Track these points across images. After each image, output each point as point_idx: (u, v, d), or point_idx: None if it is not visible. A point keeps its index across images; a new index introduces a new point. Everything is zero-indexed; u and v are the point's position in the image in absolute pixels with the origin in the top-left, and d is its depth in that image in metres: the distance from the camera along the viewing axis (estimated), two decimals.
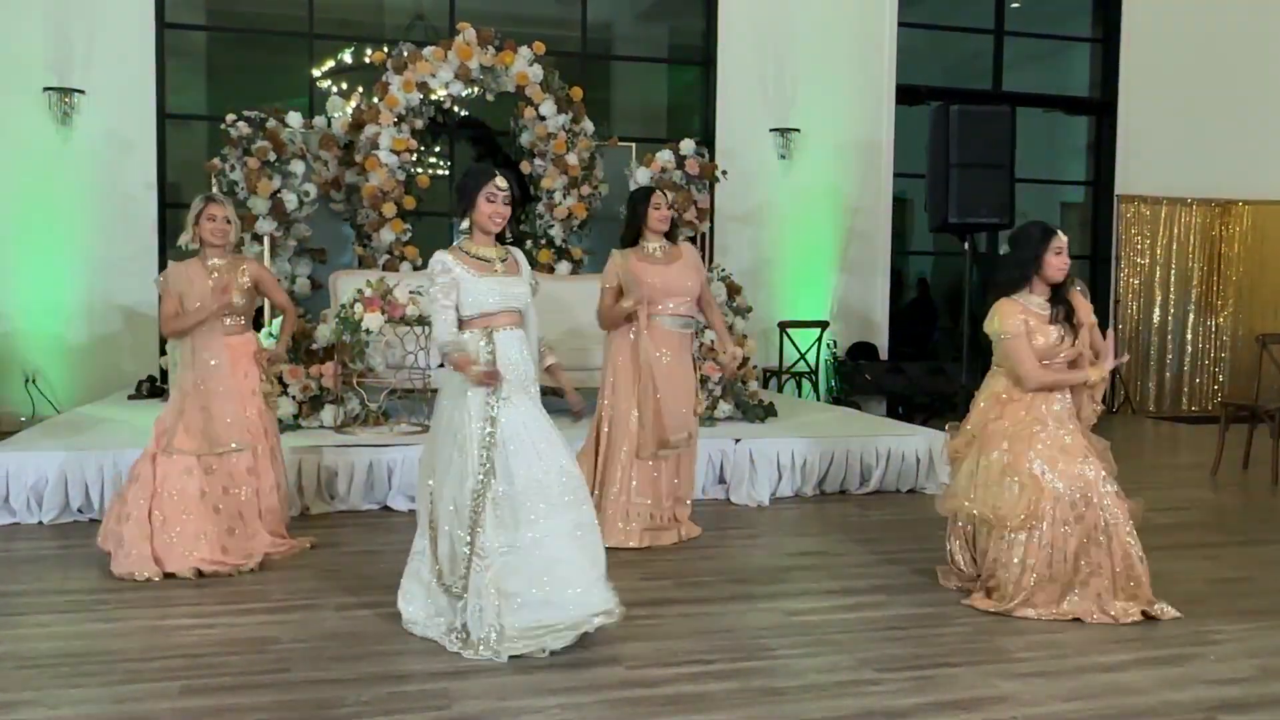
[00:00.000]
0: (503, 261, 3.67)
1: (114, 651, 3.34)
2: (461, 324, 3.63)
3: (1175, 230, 10.35)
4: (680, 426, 4.83)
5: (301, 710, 2.91)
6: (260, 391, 4.54)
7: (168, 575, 4.12)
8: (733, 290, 7.93)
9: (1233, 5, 10.24)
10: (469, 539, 3.43)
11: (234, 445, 4.34)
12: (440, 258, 3.61)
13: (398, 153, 7.26)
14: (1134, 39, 10.10)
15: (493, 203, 3.59)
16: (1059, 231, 3.98)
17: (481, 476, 3.44)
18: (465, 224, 3.64)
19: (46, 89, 7.66)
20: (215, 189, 7.26)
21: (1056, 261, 3.95)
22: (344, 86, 8.77)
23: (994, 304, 4.05)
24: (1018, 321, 3.96)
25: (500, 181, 3.60)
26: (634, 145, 8.32)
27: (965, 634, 3.64)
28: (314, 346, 6.00)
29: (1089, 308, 4.12)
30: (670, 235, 4.96)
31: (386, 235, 7.24)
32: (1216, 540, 5.19)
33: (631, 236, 4.90)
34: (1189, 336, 10.47)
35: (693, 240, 8.05)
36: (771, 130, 9.10)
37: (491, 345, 3.60)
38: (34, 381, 7.62)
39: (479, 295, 3.60)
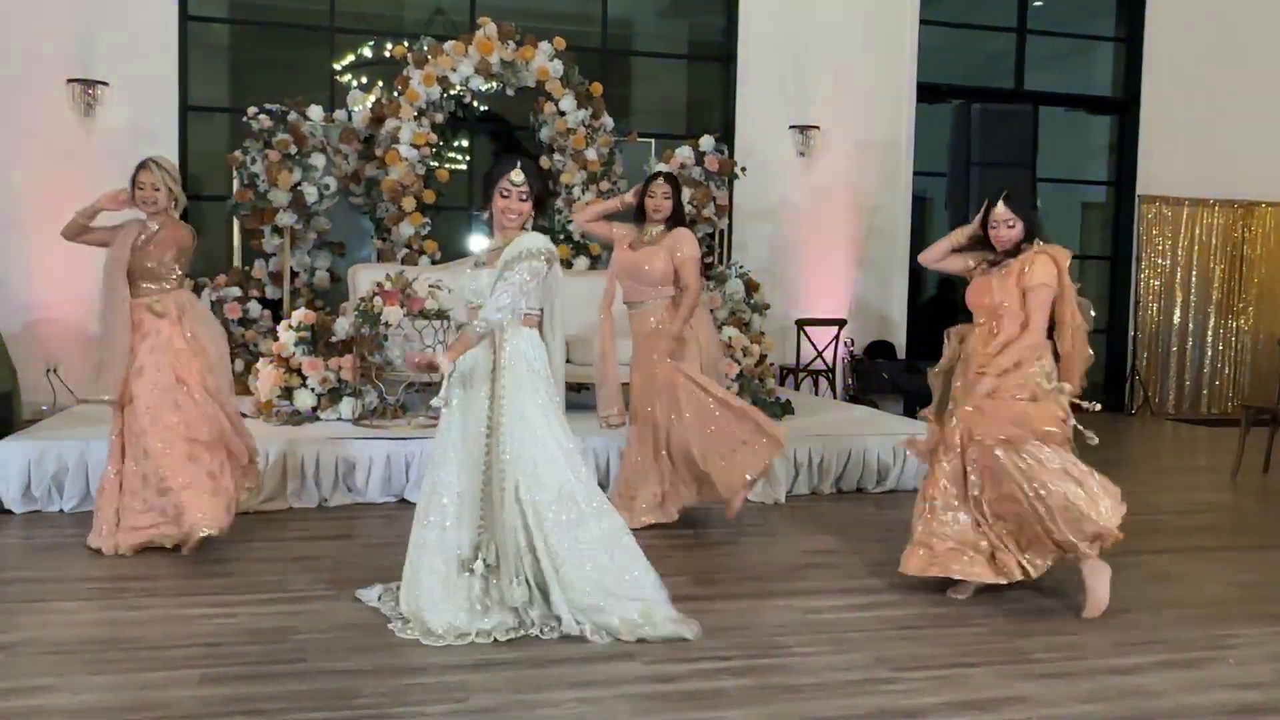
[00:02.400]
0: (490, 252, 3.59)
1: (136, 639, 3.37)
2: None
3: (1197, 231, 10.28)
4: (606, 403, 4.89)
5: (319, 700, 2.93)
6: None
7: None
8: (751, 287, 7.94)
9: (1257, 6, 10.15)
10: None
11: (106, 397, 4.33)
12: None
13: (418, 147, 7.29)
14: (1157, 38, 10.04)
15: (506, 198, 3.51)
16: (999, 203, 3.90)
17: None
18: (486, 215, 3.60)
19: (70, 81, 7.71)
20: (236, 182, 7.32)
21: (991, 232, 3.96)
22: (364, 80, 8.80)
23: None
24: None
25: (515, 176, 3.49)
26: (653, 141, 8.34)
27: (982, 634, 3.63)
28: (333, 339, 6.03)
29: (1043, 273, 3.85)
30: (674, 220, 4.96)
31: (406, 229, 7.28)
32: (1236, 544, 5.16)
33: (638, 217, 5.03)
34: (1209, 338, 10.39)
35: (711, 236, 8.06)
36: (791, 127, 9.08)
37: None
38: (55, 371, 7.67)
39: (465, 293, 3.64)
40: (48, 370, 7.68)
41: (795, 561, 4.59)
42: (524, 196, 3.52)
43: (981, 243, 4.05)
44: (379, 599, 3.73)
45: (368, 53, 9.08)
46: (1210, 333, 10.38)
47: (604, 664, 3.26)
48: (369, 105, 7.63)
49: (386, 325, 5.75)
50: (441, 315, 5.84)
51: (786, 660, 3.36)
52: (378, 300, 5.78)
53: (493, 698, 3.00)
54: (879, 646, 3.49)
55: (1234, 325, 10.40)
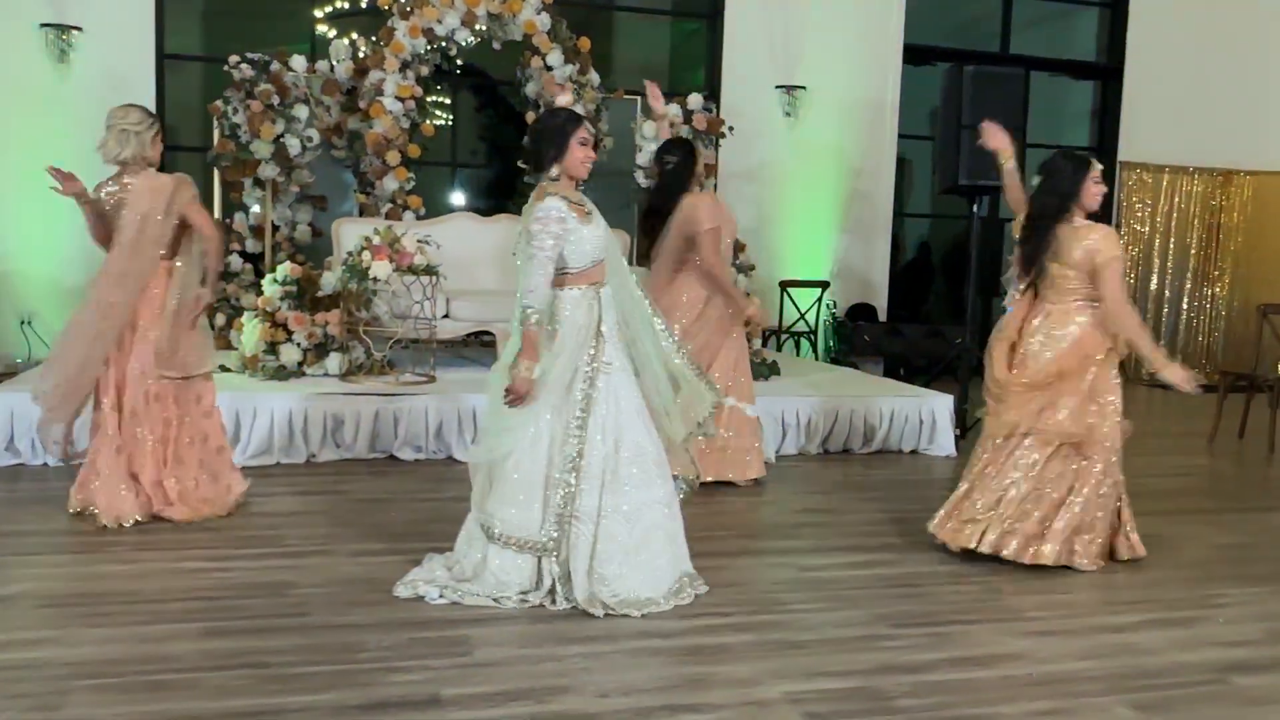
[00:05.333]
0: (584, 206, 3.54)
1: (132, 593, 3.34)
2: (564, 279, 3.43)
3: (1176, 199, 10.34)
4: None
5: (324, 654, 2.91)
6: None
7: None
8: (736, 248, 7.90)
9: None
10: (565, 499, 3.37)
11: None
12: (554, 204, 3.36)
13: (402, 99, 7.17)
14: (1142, 5, 10.02)
15: (585, 146, 3.48)
16: (1093, 160, 3.99)
17: (576, 439, 3.37)
18: (555, 171, 3.46)
19: (43, 25, 7.49)
20: (217, 133, 7.17)
21: (1096, 190, 3.96)
22: (337, 31, 8.60)
23: (1084, 231, 3.92)
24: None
25: (589, 126, 3.56)
26: (639, 99, 8.23)
27: (977, 592, 3.68)
28: (320, 294, 5.95)
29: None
30: None
31: (390, 183, 7.16)
32: (1217, 506, 5.25)
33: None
34: (1185, 305, 10.49)
35: None
36: (777, 87, 9.02)
37: (599, 306, 3.45)
38: (29, 323, 7.53)
39: (586, 245, 3.43)
40: (22, 323, 7.55)
41: (788, 520, 4.62)
42: (594, 144, 3.57)
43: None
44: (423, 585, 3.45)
45: (346, 3, 8.88)
46: (1186, 299, 10.47)
47: (605, 620, 3.25)
48: (352, 56, 7.47)
49: (375, 280, 5.67)
50: (430, 271, 5.77)
51: (787, 616, 3.38)
52: (366, 255, 5.70)
53: (496, 651, 3.00)
54: (877, 603, 3.52)
55: (1210, 293, 10.50)
